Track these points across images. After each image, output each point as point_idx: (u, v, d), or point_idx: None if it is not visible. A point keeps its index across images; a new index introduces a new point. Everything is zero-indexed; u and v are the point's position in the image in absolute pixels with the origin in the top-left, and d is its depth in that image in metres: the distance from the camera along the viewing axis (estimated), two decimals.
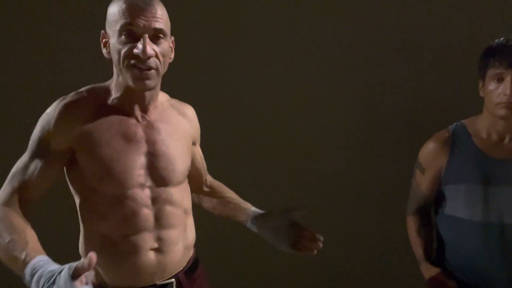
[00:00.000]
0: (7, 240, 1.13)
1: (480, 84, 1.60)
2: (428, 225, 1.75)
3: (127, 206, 1.27)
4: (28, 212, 1.24)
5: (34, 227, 1.26)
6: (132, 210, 1.28)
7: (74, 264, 0.98)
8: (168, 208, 1.33)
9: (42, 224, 1.76)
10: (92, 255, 0.97)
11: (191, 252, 1.46)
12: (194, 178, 1.56)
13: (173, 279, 1.36)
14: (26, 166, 1.25)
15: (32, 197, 1.26)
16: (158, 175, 1.31)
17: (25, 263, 1.08)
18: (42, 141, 1.25)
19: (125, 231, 1.28)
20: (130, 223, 1.28)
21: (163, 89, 1.43)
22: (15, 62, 2.05)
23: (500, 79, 1.52)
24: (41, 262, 1.06)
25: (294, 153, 2.18)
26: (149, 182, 1.30)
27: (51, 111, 1.26)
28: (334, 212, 2.21)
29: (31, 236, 1.16)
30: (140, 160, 1.29)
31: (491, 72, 1.54)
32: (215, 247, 2.05)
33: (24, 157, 1.27)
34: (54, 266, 1.05)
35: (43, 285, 1.00)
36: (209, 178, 1.65)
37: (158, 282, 1.33)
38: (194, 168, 1.54)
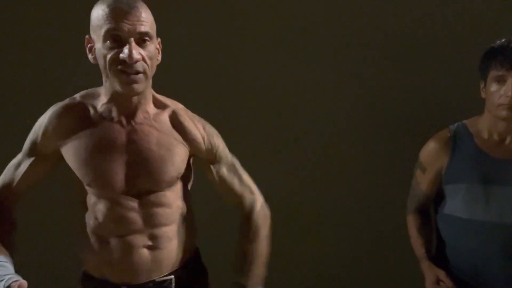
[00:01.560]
0: None
1: (482, 85, 1.59)
2: (428, 223, 1.75)
3: (113, 210, 1.29)
4: (16, 203, 1.39)
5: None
6: (119, 214, 1.29)
7: (9, 282, 1.13)
8: (158, 210, 1.32)
9: (46, 220, 1.79)
10: (23, 283, 1.12)
11: (192, 250, 1.45)
12: (229, 201, 1.50)
13: (172, 276, 1.36)
14: (18, 164, 1.37)
15: (19, 192, 1.37)
16: (141, 182, 1.29)
17: None
18: (33, 143, 1.34)
19: (116, 232, 1.30)
20: (119, 225, 1.29)
21: (165, 92, 1.42)
22: (16, 63, 2.05)
23: (502, 81, 1.50)
24: None
25: (292, 153, 2.17)
26: (132, 189, 1.29)
27: (44, 117, 1.33)
28: (334, 211, 2.21)
29: (1, 234, 1.29)
30: (121, 167, 1.28)
31: (492, 73, 1.52)
32: (217, 246, 2.05)
33: (19, 155, 1.38)
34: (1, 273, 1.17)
35: None
36: (255, 209, 1.49)
37: (157, 279, 1.34)
38: (219, 189, 1.47)
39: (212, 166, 1.43)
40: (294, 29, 2.09)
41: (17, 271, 1.22)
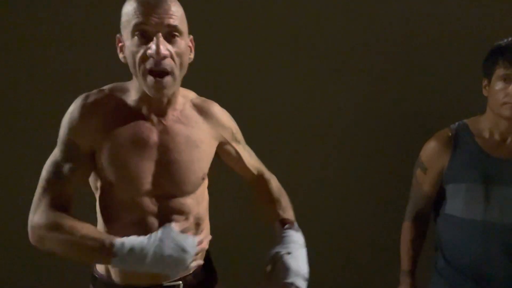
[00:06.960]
0: (79, 236, 1.17)
1: (484, 83, 1.59)
2: (423, 235, 1.76)
3: (133, 213, 1.26)
4: (72, 209, 1.26)
5: None
6: (138, 218, 1.26)
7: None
8: (176, 218, 1.28)
9: None
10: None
11: (203, 256, 1.41)
12: (244, 177, 1.52)
13: (180, 282, 1.33)
14: (59, 170, 1.22)
15: (71, 197, 1.24)
16: (167, 185, 1.26)
17: (111, 245, 1.16)
18: (70, 143, 1.22)
19: (131, 235, 1.25)
20: (135, 229, 1.25)
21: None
22: (21, 63, 2.02)
23: (508, 79, 1.50)
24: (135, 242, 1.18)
25: (292, 153, 2.17)
26: (157, 191, 1.26)
27: (73, 111, 1.23)
28: (333, 213, 2.21)
29: (93, 228, 1.22)
30: (150, 167, 1.25)
31: (499, 72, 1.52)
32: (227, 251, 2.05)
33: (55, 160, 1.23)
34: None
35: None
36: (260, 177, 1.53)
37: (165, 283, 1.31)
38: (236, 167, 1.49)
39: (230, 144, 1.44)
40: (300, 30, 2.09)
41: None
